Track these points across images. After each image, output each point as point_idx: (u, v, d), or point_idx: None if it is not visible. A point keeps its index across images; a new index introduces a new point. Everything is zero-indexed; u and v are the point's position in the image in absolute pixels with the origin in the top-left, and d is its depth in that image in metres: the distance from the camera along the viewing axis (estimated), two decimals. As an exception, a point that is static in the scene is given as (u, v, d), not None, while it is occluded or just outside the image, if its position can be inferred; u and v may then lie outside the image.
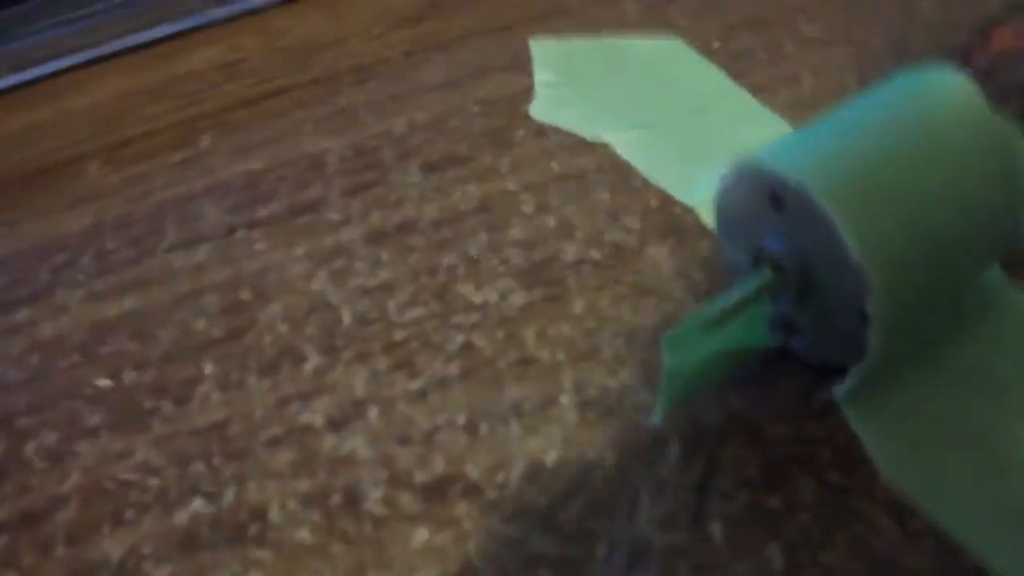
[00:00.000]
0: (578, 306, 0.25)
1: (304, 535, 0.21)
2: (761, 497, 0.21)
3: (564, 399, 0.23)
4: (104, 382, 0.25)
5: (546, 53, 0.33)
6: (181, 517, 0.22)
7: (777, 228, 0.22)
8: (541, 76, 0.32)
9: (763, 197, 0.22)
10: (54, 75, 0.35)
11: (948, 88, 0.23)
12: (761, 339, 0.23)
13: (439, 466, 0.22)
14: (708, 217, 0.24)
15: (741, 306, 0.22)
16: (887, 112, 0.23)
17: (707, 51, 0.31)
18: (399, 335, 0.25)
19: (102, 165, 0.31)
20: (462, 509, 0.22)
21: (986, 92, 0.22)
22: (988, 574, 0.18)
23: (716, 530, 0.21)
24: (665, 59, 0.32)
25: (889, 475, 0.20)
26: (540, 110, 0.31)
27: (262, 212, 0.29)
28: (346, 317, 0.26)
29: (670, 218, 0.26)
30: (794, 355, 0.23)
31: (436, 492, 0.22)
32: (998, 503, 0.19)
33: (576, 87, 0.31)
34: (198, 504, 0.22)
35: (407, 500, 0.22)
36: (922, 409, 0.21)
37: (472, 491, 0.22)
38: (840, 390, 0.22)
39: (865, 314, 0.21)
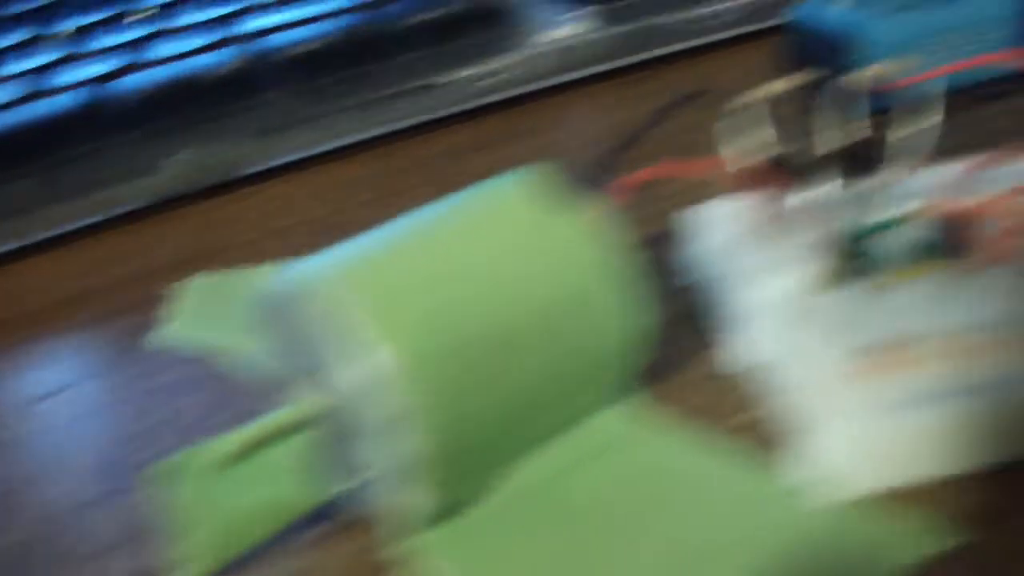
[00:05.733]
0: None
1: None
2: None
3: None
4: None
5: (185, 290, 0.31)
6: None
7: (304, 354, 0.20)
8: (172, 308, 0.30)
9: (278, 322, 0.20)
10: None
11: (505, 182, 0.21)
12: (303, 490, 0.20)
13: None
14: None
15: (264, 438, 0.19)
16: (426, 214, 0.21)
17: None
18: None
19: None
20: None
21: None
22: None
23: None
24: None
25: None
26: (159, 337, 0.29)
27: None
28: None
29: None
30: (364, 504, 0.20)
31: None
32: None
33: (197, 314, 0.30)
34: None
35: None
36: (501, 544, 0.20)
37: None
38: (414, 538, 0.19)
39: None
